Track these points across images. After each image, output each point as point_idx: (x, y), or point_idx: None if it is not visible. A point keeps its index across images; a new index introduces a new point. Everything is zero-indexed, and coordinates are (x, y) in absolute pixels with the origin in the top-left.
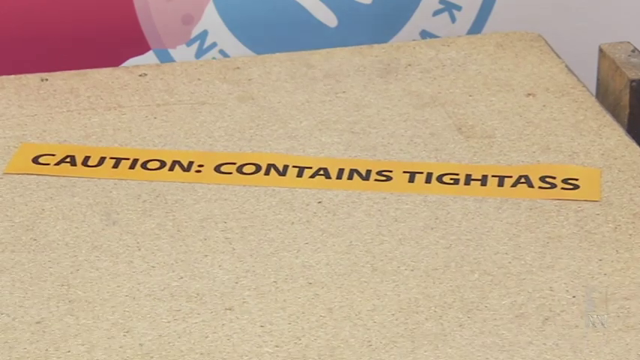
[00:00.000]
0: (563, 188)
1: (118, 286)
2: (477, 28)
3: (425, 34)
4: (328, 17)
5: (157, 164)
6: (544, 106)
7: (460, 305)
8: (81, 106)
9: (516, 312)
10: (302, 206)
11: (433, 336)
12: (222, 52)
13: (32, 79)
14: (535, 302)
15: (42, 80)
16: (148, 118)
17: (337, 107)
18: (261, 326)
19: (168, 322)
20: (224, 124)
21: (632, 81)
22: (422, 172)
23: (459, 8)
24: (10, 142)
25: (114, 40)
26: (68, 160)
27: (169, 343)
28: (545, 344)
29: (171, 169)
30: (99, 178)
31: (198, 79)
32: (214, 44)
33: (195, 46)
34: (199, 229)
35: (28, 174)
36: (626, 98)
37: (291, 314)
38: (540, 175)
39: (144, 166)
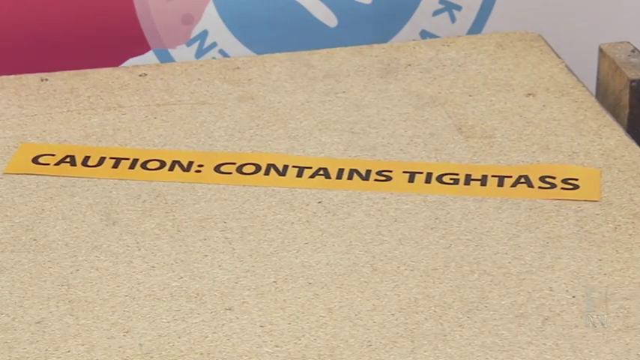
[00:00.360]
0: (563, 188)
1: (118, 286)
2: (477, 28)
3: (425, 34)
4: (328, 17)
5: (156, 164)
6: (544, 106)
7: (460, 305)
8: (81, 106)
9: (516, 312)
10: (302, 206)
11: (433, 336)
12: (222, 52)
13: (32, 79)
14: (535, 302)
15: (42, 80)
16: (148, 118)
17: (337, 107)
18: (261, 326)
19: (168, 322)
20: (224, 124)
21: (632, 81)
22: (422, 172)
23: (459, 8)
24: (10, 142)
25: (114, 40)
26: (68, 160)
27: (169, 343)
28: (545, 344)
29: (171, 169)
30: (99, 178)
31: (198, 79)
32: (214, 44)
33: (195, 46)
34: (199, 229)
35: (28, 174)
36: (626, 98)
37: (291, 314)
38: (540, 175)
39: (144, 166)
